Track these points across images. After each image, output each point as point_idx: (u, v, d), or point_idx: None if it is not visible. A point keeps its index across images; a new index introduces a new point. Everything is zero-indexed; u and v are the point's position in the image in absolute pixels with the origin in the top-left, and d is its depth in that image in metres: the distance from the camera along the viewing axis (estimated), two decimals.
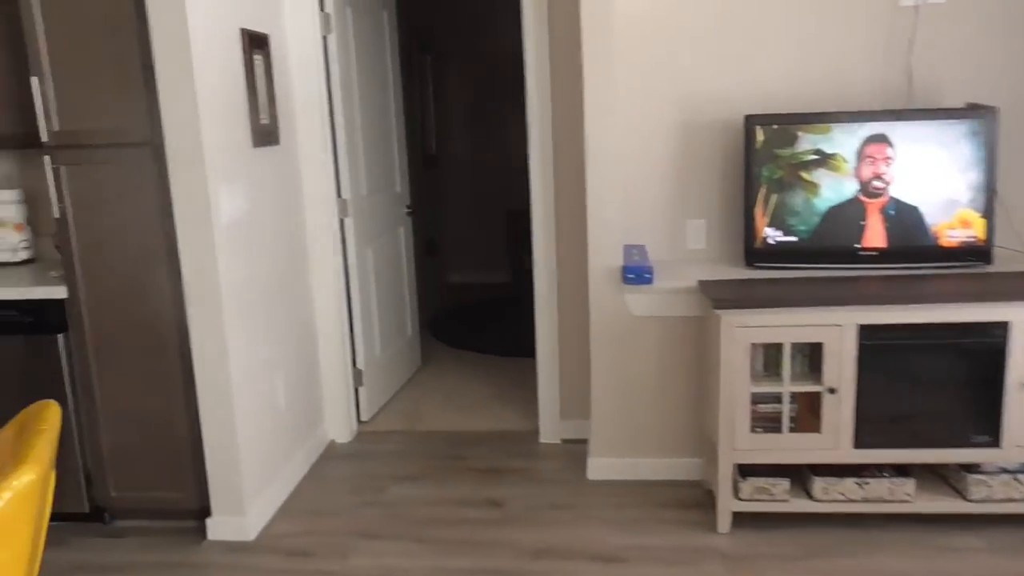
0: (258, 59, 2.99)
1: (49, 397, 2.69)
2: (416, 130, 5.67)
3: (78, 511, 2.91)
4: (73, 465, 2.86)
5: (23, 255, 3.30)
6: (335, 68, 3.49)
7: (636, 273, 2.93)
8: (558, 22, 3.28)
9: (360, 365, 3.78)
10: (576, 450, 3.46)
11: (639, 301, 3.01)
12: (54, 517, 3.11)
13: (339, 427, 3.69)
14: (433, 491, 3.17)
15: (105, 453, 2.84)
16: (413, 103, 5.52)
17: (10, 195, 3.26)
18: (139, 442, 2.82)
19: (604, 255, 3.03)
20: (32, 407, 1.54)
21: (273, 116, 3.13)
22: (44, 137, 2.62)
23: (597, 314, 3.06)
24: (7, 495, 1.25)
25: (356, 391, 3.79)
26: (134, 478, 2.85)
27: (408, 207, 4.48)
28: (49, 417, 1.49)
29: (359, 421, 3.83)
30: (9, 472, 1.28)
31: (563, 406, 3.58)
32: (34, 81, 2.59)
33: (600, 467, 3.18)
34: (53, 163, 2.64)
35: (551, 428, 3.59)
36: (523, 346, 4.58)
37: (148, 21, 2.53)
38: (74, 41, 2.55)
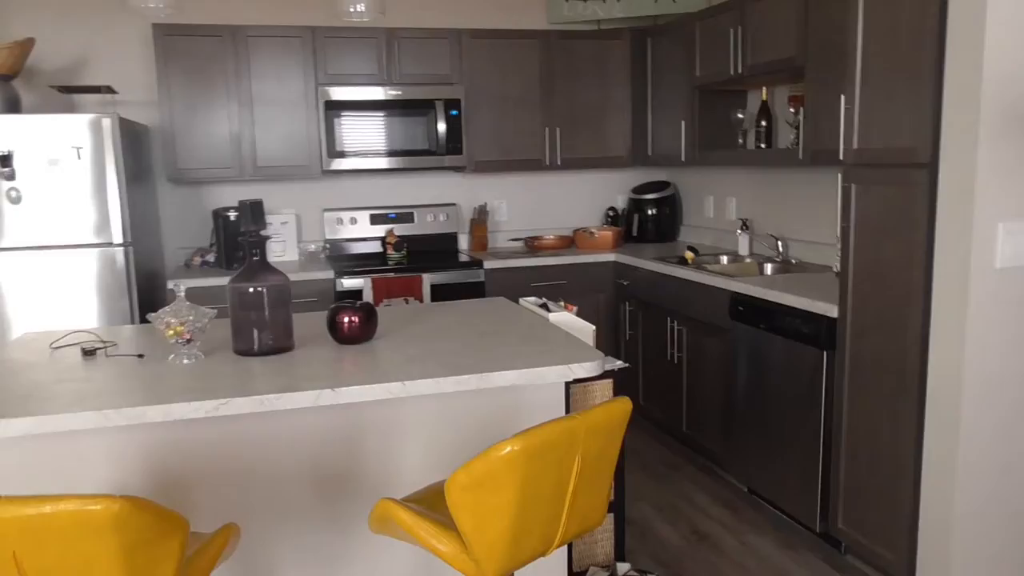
0: None
1: (802, 407, 2.81)
2: None
3: (811, 526, 2.94)
4: (812, 483, 2.89)
5: None
6: None
7: None
8: None
9: None
10: None
11: None
12: (792, 516, 3.12)
13: None
14: None
15: (841, 481, 2.74)
16: None
17: None
18: (866, 482, 2.63)
19: None
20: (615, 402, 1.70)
21: None
22: (841, 155, 2.63)
23: None
24: (504, 451, 1.49)
25: None
26: (858, 517, 2.69)
27: None
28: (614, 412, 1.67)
29: None
30: (515, 437, 1.50)
31: None
32: (842, 99, 2.61)
33: None
34: (844, 181, 2.63)
35: None
36: None
37: (947, 27, 2.23)
38: (883, 56, 2.46)
